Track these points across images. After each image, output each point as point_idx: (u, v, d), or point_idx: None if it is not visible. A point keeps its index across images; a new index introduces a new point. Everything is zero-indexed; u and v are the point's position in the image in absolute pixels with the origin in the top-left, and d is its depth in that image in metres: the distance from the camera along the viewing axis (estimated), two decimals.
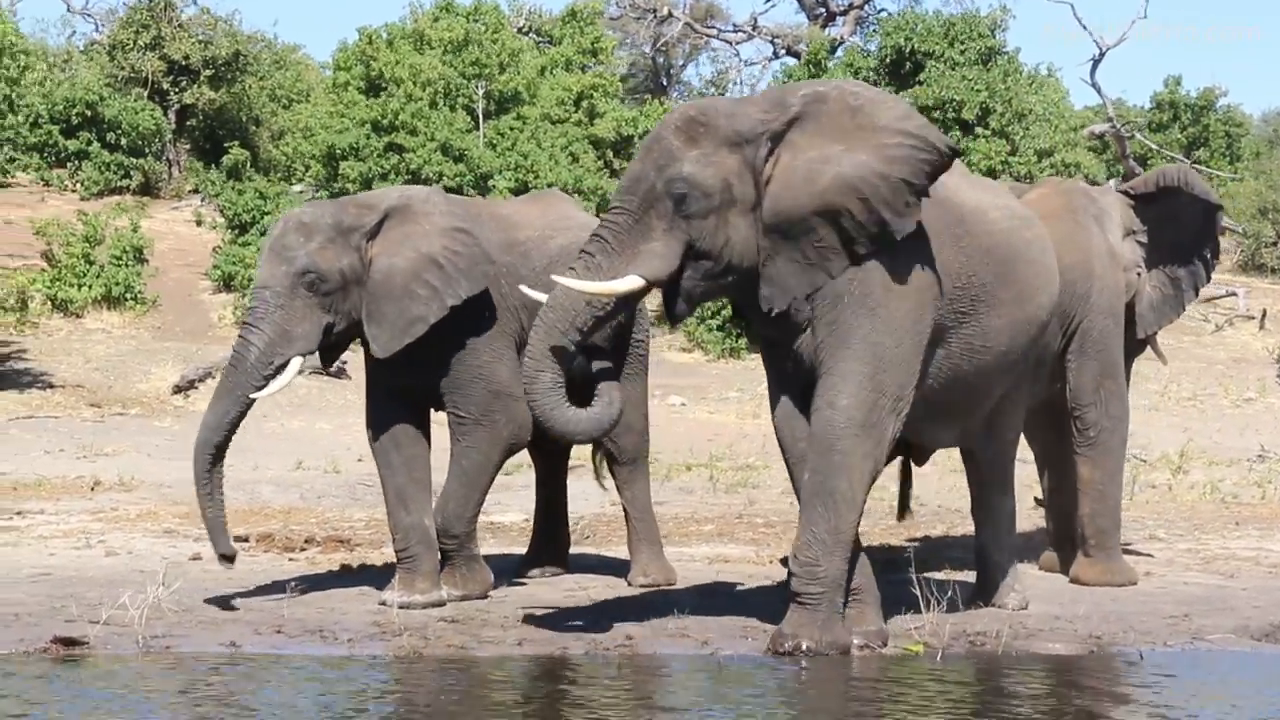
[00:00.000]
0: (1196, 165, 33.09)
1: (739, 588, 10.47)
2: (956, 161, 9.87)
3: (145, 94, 31.59)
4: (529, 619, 9.31)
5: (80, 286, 23.16)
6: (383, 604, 9.63)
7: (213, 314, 24.02)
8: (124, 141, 30.46)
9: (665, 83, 42.40)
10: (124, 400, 18.92)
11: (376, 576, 10.36)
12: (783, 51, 39.61)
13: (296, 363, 9.67)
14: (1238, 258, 31.73)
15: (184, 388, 19.37)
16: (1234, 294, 28.35)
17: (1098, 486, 10.93)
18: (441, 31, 29.28)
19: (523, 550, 11.32)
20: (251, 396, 9.56)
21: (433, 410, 10.06)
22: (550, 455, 11.14)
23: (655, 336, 24.23)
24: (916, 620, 9.21)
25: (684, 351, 24.20)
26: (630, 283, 8.36)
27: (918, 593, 9.34)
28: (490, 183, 26.20)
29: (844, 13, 39.18)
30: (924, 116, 8.78)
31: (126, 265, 23.82)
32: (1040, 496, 11.98)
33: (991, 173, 26.90)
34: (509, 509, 13.48)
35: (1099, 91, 31.09)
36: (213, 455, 9.60)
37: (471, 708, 7.74)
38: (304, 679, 8.11)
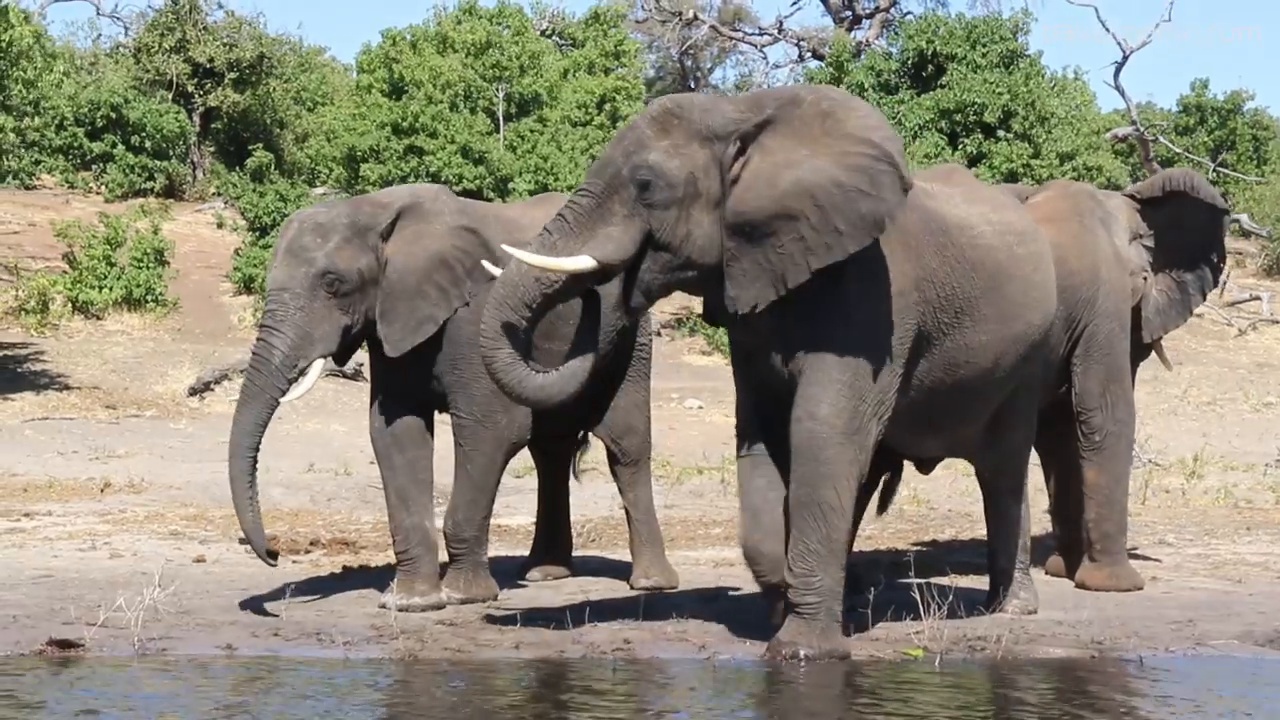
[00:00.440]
0: (1222, 168, 32.98)
1: (741, 592, 10.43)
2: (958, 173, 9.87)
3: (170, 97, 31.70)
4: (527, 622, 9.29)
5: (101, 288, 23.26)
6: (383, 607, 9.61)
7: (233, 316, 24.08)
8: (148, 144, 30.59)
9: (693, 86, 42.39)
10: (139, 402, 18.97)
11: (378, 579, 10.34)
12: (808, 54, 39.60)
13: (319, 365, 9.68)
14: (1263, 261, 31.60)
15: (199, 390, 19.41)
16: (1258, 298, 28.26)
17: (1103, 491, 10.88)
18: (464, 34, 29.31)
19: (528, 553, 11.30)
20: (279, 399, 9.58)
21: (437, 412, 10.07)
22: (554, 457, 11.14)
23: (675, 340, 24.34)
24: (916, 625, 9.16)
25: (703, 355, 24.17)
26: (581, 262, 8.30)
27: (917, 597, 9.32)
28: (510, 186, 26.23)
29: (870, 15, 39.17)
30: (894, 130, 8.67)
31: (147, 267, 23.91)
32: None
33: (1013, 175, 26.84)
34: (517, 511, 13.47)
35: (1122, 94, 31.03)
36: (252, 459, 9.58)
37: (460, 711, 7.72)
38: (290, 682, 8.11)
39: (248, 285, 24.75)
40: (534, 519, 11.77)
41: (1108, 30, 30.82)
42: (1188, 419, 21.06)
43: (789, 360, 8.56)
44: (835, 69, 30.63)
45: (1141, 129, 30.62)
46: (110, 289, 23.28)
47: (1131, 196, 11.45)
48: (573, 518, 11.87)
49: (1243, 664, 9.01)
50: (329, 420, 18.66)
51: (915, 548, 12.58)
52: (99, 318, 23.06)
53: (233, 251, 26.03)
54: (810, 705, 8.02)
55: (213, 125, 32.80)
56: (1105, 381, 10.80)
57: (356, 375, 19.26)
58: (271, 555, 9.80)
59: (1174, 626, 9.71)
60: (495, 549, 11.93)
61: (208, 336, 22.90)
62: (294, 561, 11.30)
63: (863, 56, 31.73)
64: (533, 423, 10.22)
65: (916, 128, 28.49)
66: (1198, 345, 26.05)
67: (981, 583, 10.47)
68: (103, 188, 30.34)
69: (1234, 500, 15.31)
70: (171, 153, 31.13)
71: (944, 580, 10.60)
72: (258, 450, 9.61)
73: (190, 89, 31.93)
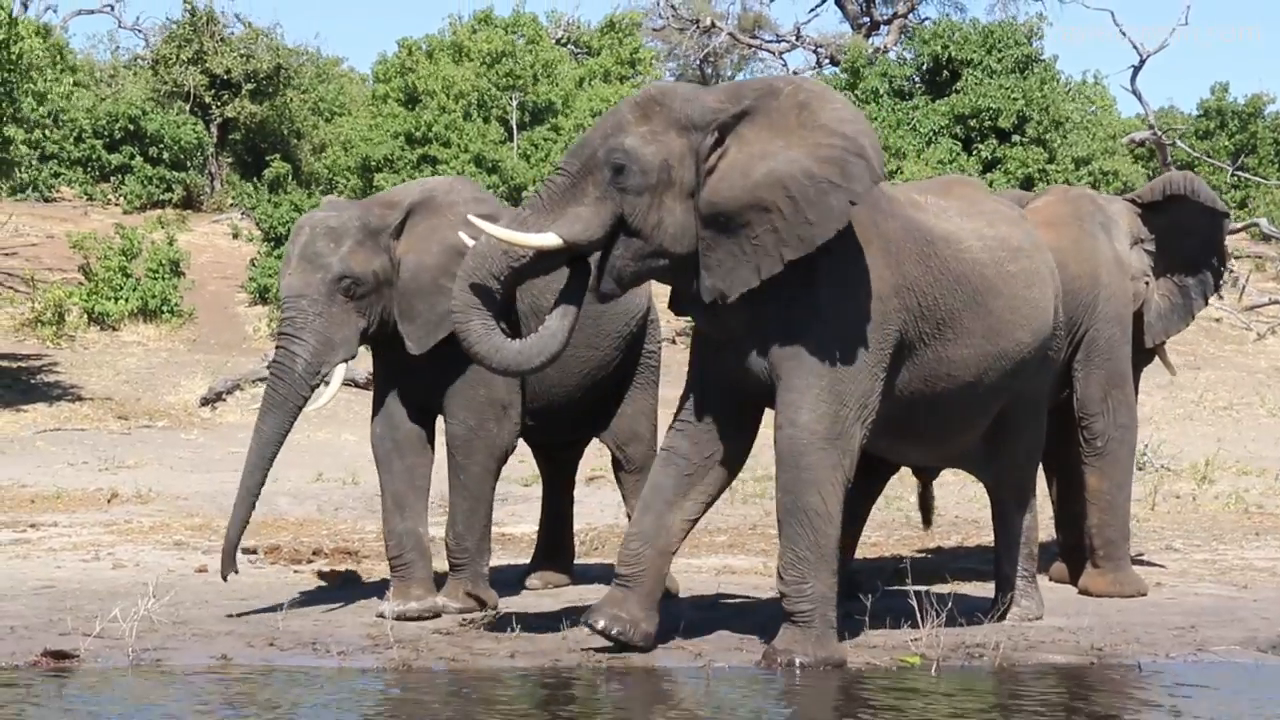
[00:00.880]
0: (1241, 172, 32.84)
1: (741, 600, 10.42)
2: (962, 185, 9.82)
3: (187, 108, 31.79)
4: (524, 631, 9.27)
5: (116, 300, 23.30)
6: (380, 616, 9.58)
7: (247, 326, 24.13)
8: (166, 155, 30.64)
9: None
10: (151, 413, 19.01)
11: (378, 588, 10.31)
12: (826, 61, 39.54)
13: (342, 370, 9.68)
14: None
15: (211, 400, 19.45)
16: (1278, 302, 28.10)
17: (1105, 497, 10.85)
18: (480, 43, 29.35)
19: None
20: (303, 408, 9.61)
21: (439, 419, 10.04)
22: (560, 465, 11.13)
23: (686, 348, 24.22)
24: (915, 632, 9.12)
25: None
26: (546, 239, 8.32)
27: (916, 604, 9.29)
28: (523, 194, 26.22)
29: (888, 21, 39.10)
30: (869, 123, 8.63)
31: (163, 278, 23.97)
32: None
33: (1029, 181, 26.77)
34: (523, 520, 13.45)
35: (1139, 98, 30.94)
36: (267, 470, 9.64)
37: None
38: (282, 691, 8.11)
39: (263, 295, 24.78)
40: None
41: (1124, 34, 30.57)
42: (1203, 424, 20.96)
43: (760, 360, 8.56)
44: (850, 75, 30.58)
45: (1159, 133, 30.51)
46: (126, 300, 23.33)
47: (1132, 201, 11.42)
48: (578, 526, 11.87)
49: (1242, 669, 8.96)
50: (340, 430, 18.68)
51: (920, 554, 12.54)
52: (115, 329, 23.11)
53: (248, 262, 26.08)
54: (803, 712, 7.99)
55: (230, 136, 32.85)
56: (1106, 387, 10.76)
57: (368, 384, 19.22)
58: (224, 575, 9.74)
59: (1176, 632, 9.67)
60: (500, 557, 11.94)
61: (222, 347, 22.94)
62: (296, 571, 11.30)
63: (875, 62, 31.64)
64: (539, 429, 10.22)
65: (931, 133, 28.44)
66: (1216, 349, 25.92)
67: (985, 589, 10.45)
68: (121, 199, 30.41)
69: (1245, 506, 15.24)
70: (189, 164, 31.18)
71: (945, 587, 10.58)
72: (273, 461, 9.66)
73: (208, 100, 31.99)
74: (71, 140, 30.62)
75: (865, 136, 8.41)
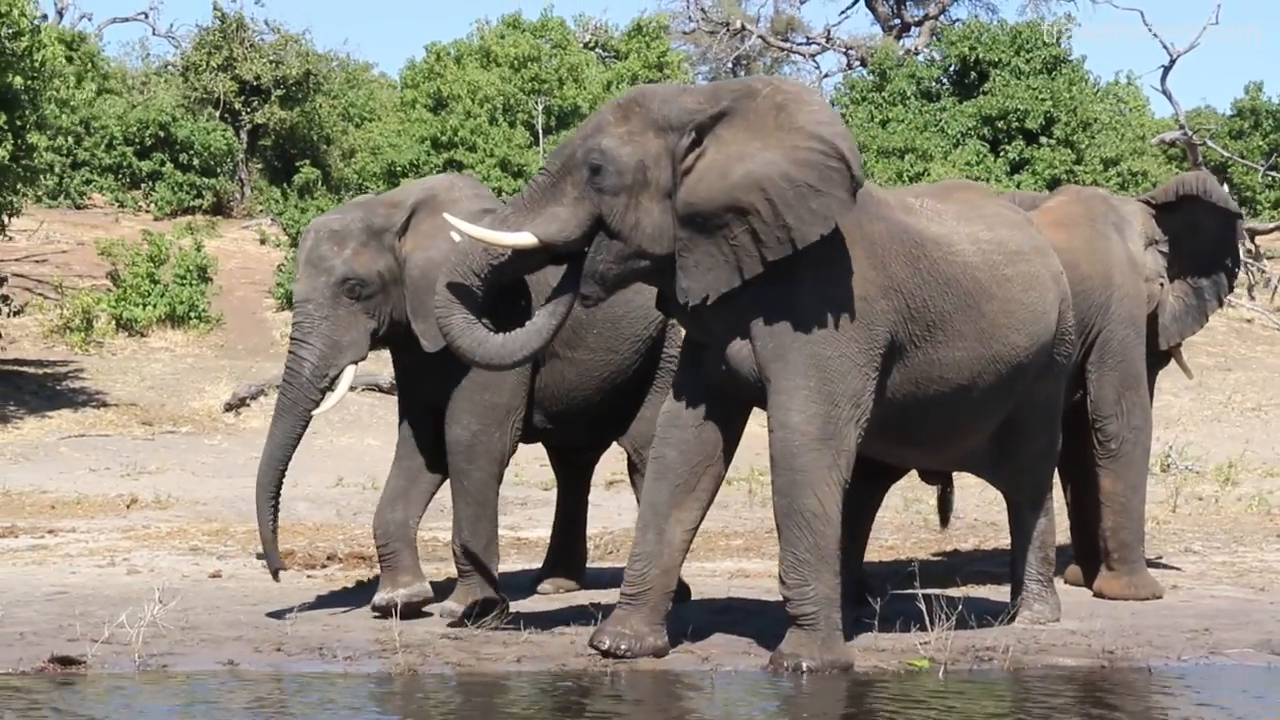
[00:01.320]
0: (1274, 171, 32.64)
1: (752, 603, 10.38)
2: (962, 189, 9.79)
3: (217, 115, 31.89)
4: (531, 635, 9.27)
5: (144, 306, 23.36)
6: (374, 609, 9.71)
7: (275, 331, 24.14)
8: (196, 162, 30.73)
9: None
10: (176, 418, 19.04)
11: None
12: (857, 63, 39.44)
13: (350, 372, 9.74)
14: None
15: (235, 405, 19.46)
16: None
17: (1119, 499, 10.79)
18: (508, 48, 29.37)
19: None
20: (313, 411, 9.68)
21: None
22: (573, 468, 11.12)
23: None
24: (925, 636, 9.09)
25: None
26: (521, 238, 8.42)
27: (927, 607, 9.26)
28: None
29: (919, 23, 39.00)
30: (846, 126, 8.63)
31: (190, 284, 24.01)
32: None
33: (1055, 182, 26.64)
34: (540, 525, 13.43)
35: (1169, 98, 30.71)
36: (281, 472, 9.74)
37: None
38: (286, 697, 8.11)
39: (289, 300, 24.74)
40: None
41: (1154, 35, 30.35)
42: (1230, 425, 20.82)
43: (747, 363, 8.55)
44: (877, 77, 30.50)
45: (1189, 133, 30.32)
46: (154, 306, 23.38)
47: (1146, 202, 11.35)
48: (595, 529, 11.87)
49: (1253, 672, 8.92)
50: (363, 434, 18.69)
51: (936, 557, 12.51)
52: (143, 335, 23.16)
53: (275, 267, 26.14)
54: (809, 716, 7.97)
55: (260, 142, 32.94)
56: (1120, 388, 10.70)
57: (393, 389, 19.25)
58: (278, 572, 9.90)
59: (1189, 635, 9.62)
60: (515, 562, 11.95)
61: (249, 352, 22.98)
62: (309, 576, 11.31)
63: (904, 64, 31.53)
64: (558, 433, 10.22)
65: (958, 135, 28.34)
66: (1247, 350, 25.72)
67: (1000, 593, 10.41)
68: (152, 206, 30.51)
69: (1268, 508, 15.14)
70: (219, 170, 31.28)
71: (957, 591, 10.53)
72: (287, 464, 9.75)
73: (238, 107, 32.08)
74: (103, 147, 30.75)
75: (842, 140, 8.41)
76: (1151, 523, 13.80)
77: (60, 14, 39.24)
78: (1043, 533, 9.85)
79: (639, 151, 8.40)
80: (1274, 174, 32.92)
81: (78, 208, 30.11)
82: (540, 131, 28.10)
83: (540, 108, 28.16)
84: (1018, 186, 26.03)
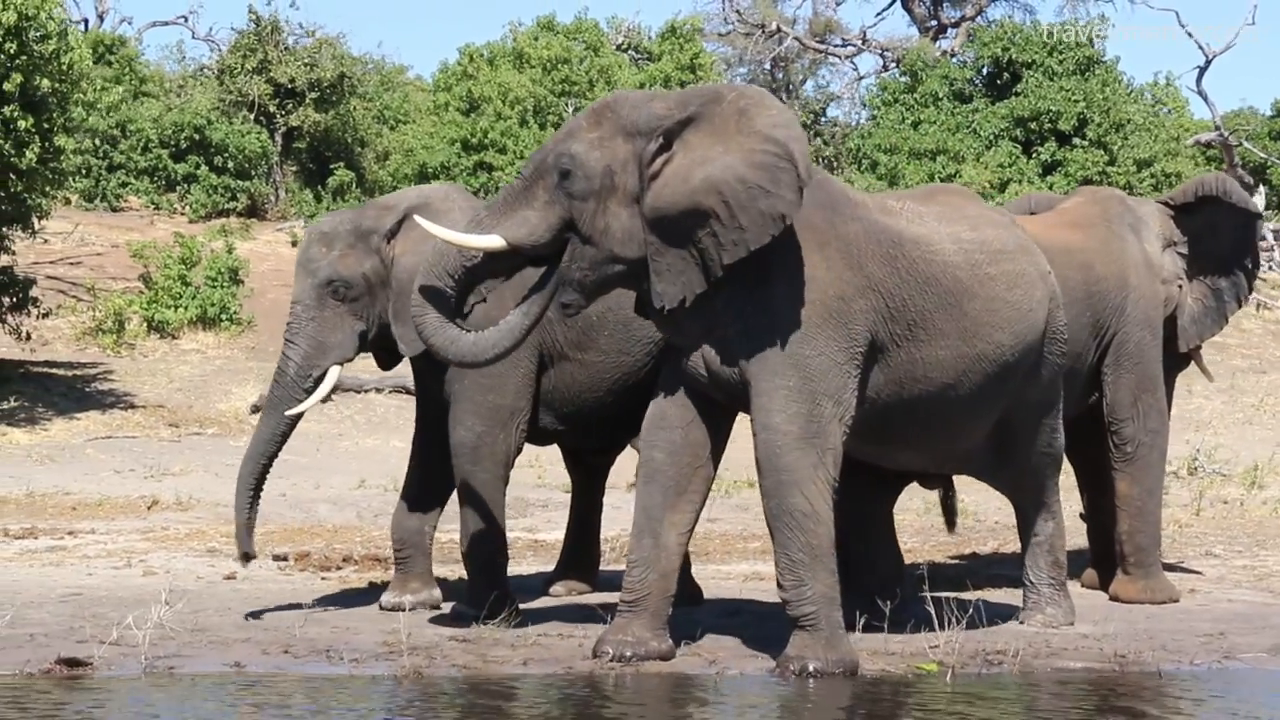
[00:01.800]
0: None
1: (764, 606, 10.34)
2: (946, 192, 9.80)
3: (252, 117, 31.99)
4: (539, 638, 9.26)
5: (176, 308, 23.45)
6: (382, 607, 9.80)
7: None
8: (231, 165, 30.85)
9: (785, 98, 42.22)
10: (202, 420, 19.10)
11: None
12: (893, 65, 39.34)
13: (335, 373, 9.85)
14: None
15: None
16: None
17: (1136, 502, 10.71)
18: (540, 50, 29.41)
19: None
20: (295, 411, 9.78)
21: None
22: (587, 471, 11.10)
23: None
24: (936, 639, 9.05)
25: None
26: (489, 240, 8.52)
27: (939, 610, 9.22)
28: None
29: (955, 24, 38.88)
30: (802, 130, 8.66)
31: (222, 286, 24.09)
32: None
33: (1088, 183, 26.52)
34: (558, 527, 13.39)
35: (1205, 99, 30.60)
36: (263, 466, 9.92)
37: None
38: (287, 699, 8.11)
39: None
40: None
41: (1190, 35, 30.23)
42: (1262, 428, 20.68)
43: (727, 366, 8.57)
44: (909, 78, 30.42)
45: (1225, 134, 30.16)
46: (185, 308, 23.48)
47: (1165, 203, 11.27)
48: (612, 532, 11.84)
49: (1267, 676, 8.84)
50: (389, 436, 18.71)
51: (954, 560, 12.45)
52: (174, 337, 23.25)
53: None
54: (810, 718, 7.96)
55: (295, 145, 33.04)
56: (1136, 391, 10.63)
57: None
58: (247, 558, 10.00)
59: (1204, 640, 9.56)
60: (531, 564, 11.95)
61: (279, 354, 23.01)
62: (323, 578, 11.32)
63: (936, 65, 31.44)
64: (570, 435, 10.21)
65: (991, 136, 28.25)
66: None
67: (1015, 596, 10.34)
68: (186, 209, 30.63)
69: None
70: (254, 173, 31.39)
71: (971, 594, 10.48)
72: (271, 460, 9.94)
73: (272, 109, 32.19)
74: (139, 150, 30.89)
75: (795, 142, 8.45)
76: (1174, 526, 13.74)
77: (101, 18, 39.52)
78: (1051, 535, 9.80)
79: (607, 156, 8.48)
80: None
81: (114, 210, 30.26)
82: None
83: (571, 110, 28.19)
84: (1050, 188, 25.92)
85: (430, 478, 10.03)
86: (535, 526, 13.77)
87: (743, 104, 8.55)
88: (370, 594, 10.58)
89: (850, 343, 8.54)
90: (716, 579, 11.26)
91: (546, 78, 28.75)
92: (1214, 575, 11.73)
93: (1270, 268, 27.20)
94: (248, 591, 10.73)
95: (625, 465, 11.32)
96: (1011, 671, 8.75)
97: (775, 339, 8.44)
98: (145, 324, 23.24)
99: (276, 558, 11.98)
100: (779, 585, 8.60)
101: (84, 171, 29.26)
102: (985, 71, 29.70)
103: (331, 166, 31.19)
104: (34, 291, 20.63)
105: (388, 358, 10.13)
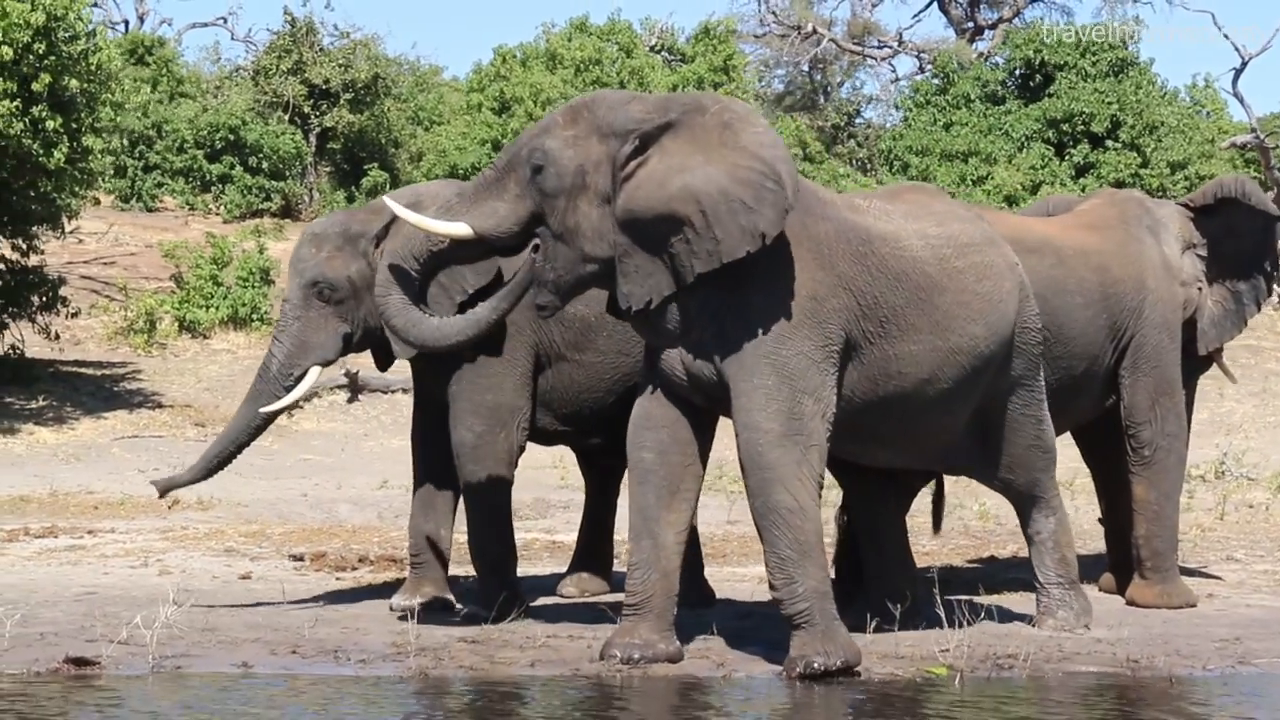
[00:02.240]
0: None
1: (774, 608, 10.24)
2: (913, 191, 9.83)
3: (286, 118, 32.07)
4: (547, 639, 9.25)
5: (207, 308, 23.51)
6: (392, 609, 9.82)
7: None
8: (265, 165, 30.93)
9: (823, 99, 42.08)
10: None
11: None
12: (929, 66, 39.20)
13: (314, 373, 9.95)
14: None
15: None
16: None
17: (1153, 507, 10.62)
18: (573, 51, 29.42)
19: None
20: (272, 407, 9.95)
21: None
22: (601, 472, 11.08)
23: None
24: (947, 641, 9.00)
25: None
26: (457, 228, 8.65)
27: (950, 614, 9.17)
28: None
29: (992, 26, 38.72)
30: (788, 150, 8.71)
31: (253, 286, 24.13)
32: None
33: (1120, 185, 26.38)
34: (577, 528, 13.36)
35: (1241, 101, 30.38)
36: (230, 453, 10.32)
37: None
38: (295, 699, 8.11)
39: None
40: None
41: (1226, 37, 30.01)
42: None
43: (705, 367, 8.57)
44: (942, 79, 30.31)
45: (1261, 136, 29.92)
46: (216, 308, 23.53)
47: (1184, 205, 11.18)
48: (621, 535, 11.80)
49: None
50: None
51: (972, 563, 12.39)
52: (205, 337, 23.30)
53: None
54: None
55: (329, 146, 33.10)
56: (1154, 394, 10.55)
57: None
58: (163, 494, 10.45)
59: (1219, 645, 9.48)
60: (547, 565, 11.94)
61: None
62: (338, 579, 11.33)
63: (969, 67, 31.32)
64: (573, 434, 10.21)
65: (1023, 138, 28.13)
66: None
67: (1029, 600, 10.28)
68: (221, 209, 30.73)
69: None
70: (288, 173, 31.47)
71: (986, 598, 10.42)
72: (240, 449, 10.35)
73: (306, 110, 32.27)
74: (174, 150, 31.01)
75: (782, 163, 8.49)
76: (1197, 530, 13.65)
77: (141, 19, 39.71)
78: (1054, 533, 9.74)
79: (580, 156, 8.53)
80: None
81: (149, 210, 30.38)
82: None
83: None
84: (1083, 190, 25.79)
85: (438, 480, 10.02)
86: (554, 528, 13.77)
87: (727, 117, 8.60)
88: (382, 593, 10.59)
89: (826, 341, 8.57)
90: (731, 581, 11.23)
91: (579, 79, 28.74)
92: (1234, 580, 11.64)
93: None
94: (261, 591, 10.75)
95: None
96: (1022, 676, 8.70)
97: (752, 340, 8.46)
98: (177, 324, 23.30)
99: (293, 558, 12.01)
100: (770, 584, 8.61)
101: (119, 172, 29.38)
102: (1018, 73, 29.56)
103: (365, 167, 31.25)
104: (65, 291, 20.70)
105: (384, 358, 10.12)
